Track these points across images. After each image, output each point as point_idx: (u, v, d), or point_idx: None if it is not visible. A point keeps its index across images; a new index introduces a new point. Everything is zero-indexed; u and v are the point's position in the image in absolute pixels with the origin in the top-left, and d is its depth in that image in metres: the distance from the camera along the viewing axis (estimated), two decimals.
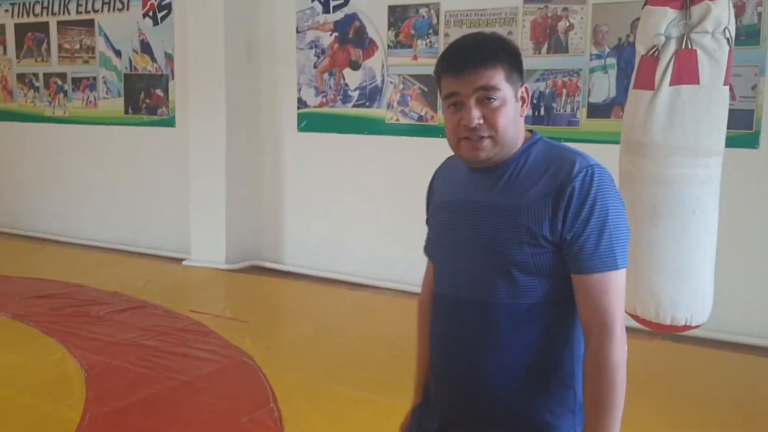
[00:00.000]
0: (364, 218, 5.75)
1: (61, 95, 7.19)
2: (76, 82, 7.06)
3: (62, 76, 7.16)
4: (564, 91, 4.78)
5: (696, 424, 3.27)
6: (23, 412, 3.30)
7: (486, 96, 1.37)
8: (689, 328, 2.62)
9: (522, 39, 4.90)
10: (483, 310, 1.40)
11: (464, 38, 1.45)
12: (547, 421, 1.41)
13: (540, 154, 1.42)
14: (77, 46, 7.02)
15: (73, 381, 3.62)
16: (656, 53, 2.46)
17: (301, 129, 5.95)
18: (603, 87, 4.66)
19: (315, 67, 5.81)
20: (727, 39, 2.45)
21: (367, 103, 5.60)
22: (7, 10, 7.45)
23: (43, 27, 7.21)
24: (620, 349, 1.35)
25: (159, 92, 6.55)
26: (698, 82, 2.42)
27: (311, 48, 5.81)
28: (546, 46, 4.83)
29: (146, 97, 6.63)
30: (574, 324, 1.42)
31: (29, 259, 6.42)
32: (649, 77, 2.48)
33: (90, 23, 6.88)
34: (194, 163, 6.18)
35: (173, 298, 5.16)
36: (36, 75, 7.35)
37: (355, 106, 5.65)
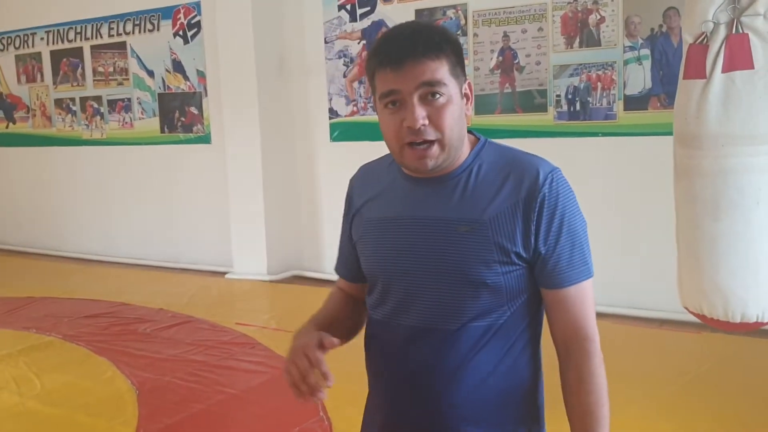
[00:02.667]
0: None
1: (98, 118, 7.34)
2: (112, 104, 7.19)
3: (98, 99, 7.31)
4: (599, 84, 4.71)
5: (750, 422, 3.18)
6: (80, 430, 3.36)
7: (430, 92, 1.18)
8: (762, 324, 2.49)
9: (553, 34, 4.85)
10: (445, 337, 1.25)
11: (400, 27, 1.24)
12: None
13: (493, 159, 1.27)
14: (111, 69, 7.16)
15: (125, 399, 3.68)
16: (705, 40, 2.38)
17: (333, 139, 5.98)
18: (638, 79, 4.59)
19: (344, 76, 5.84)
20: None
21: None
22: (42, 38, 7.64)
23: (78, 52, 7.37)
24: (601, 360, 1.27)
25: (193, 110, 6.64)
26: (753, 67, 2.31)
27: (340, 57, 5.83)
28: (578, 40, 4.78)
29: (181, 115, 6.73)
30: (537, 340, 1.34)
31: (75, 280, 6.55)
32: (699, 66, 2.40)
33: (122, 45, 7.01)
34: (232, 177, 6.25)
35: (218, 312, 5.21)
36: (73, 99, 7.52)
37: None
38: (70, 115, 7.56)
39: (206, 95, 6.54)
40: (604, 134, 4.74)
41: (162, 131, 6.86)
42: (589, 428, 1.23)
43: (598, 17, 4.69)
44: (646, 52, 4.55)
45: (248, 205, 6.16)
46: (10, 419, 3.49)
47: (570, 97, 4.82)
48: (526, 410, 1.32)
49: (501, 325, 1.25)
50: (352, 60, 5.77)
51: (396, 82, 1.18)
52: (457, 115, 1.21)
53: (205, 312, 5.21)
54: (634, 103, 4.62)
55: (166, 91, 6.79)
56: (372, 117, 5.72)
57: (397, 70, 1.18)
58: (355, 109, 5.82)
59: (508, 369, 1.27)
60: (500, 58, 5.09)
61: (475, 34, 5.17)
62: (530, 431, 1.33)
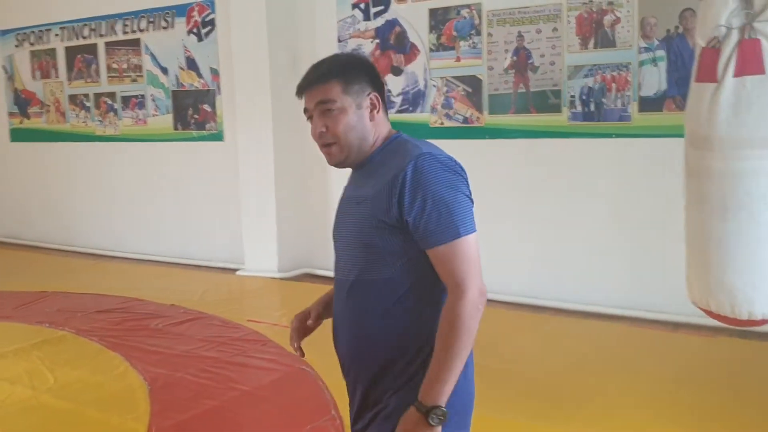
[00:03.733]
0: None
1: (112, 114, 7.37)
2: (126, 100, 7.23)
3: (112, 95, 7.35)
4: (614, 85, 4.70)
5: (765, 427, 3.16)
6: (92, 425, 3.38)
7: (325, 108, 1.59)
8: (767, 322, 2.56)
9: (567, 35, 4.84)
10: (347, 286, 1.63)
11: (314, 64, 1.67)
12: (408, 372, 1.58)
13: (393, 150, 1.60)
14: (125, 66, 7.19)
15: (137, 394, 3.69)
16: (717, 44, 2.39)
17: None
18: (653, 80, 4.57)
19: None
20: None
21: (411, 108, 5.59)
22: (57, 35, 7.68)
23: (92, 49, 7.41)
24: (470, 306, 1.48)
25: (206, 107, 6.66)
26: (764, 72, 2.34)
27: None
28: (593, 41, 4.76)
29: (194, 112, 6.75)
30: (428, 300, 1.57)
31: (87, 275, 6.59)
32: (711, 70, 2.42)
33: (136, 43, 7.04)
34: (244, 174, 6.26)
35: (230, 308, 5.23)
36: (87, 95, 7.56)
37: (398, 112, 5.65)
38: (83, 111, 7.60)
39: (219, 93, 6.56)
40: (618, 135, 4.72)
41: (175, 128, 6.89)
42: (441, 362, 1.48)
43: (614, 18, 4.67)
44: (661, 53, 4.53)
45: (260, 202, 6.18)
46: (23, 413, 3.51)
47: (584, 97, 4.80)
48: (403, 354, 1.58)
49: (386, 280, 1.56)
50: None
51: (306, 103, 1.64)
52: (352, 122, 1.58)
53: (216, 308, 5.22)
54: (649, 104, 4.60)
55: (180, 89, 6.81)
56: None
57: (303, 94, 1.64)
58: None
59: (394, 318, 1.57)
60: (514, 58, 5.07)
61: (489, 34, 5.15)
62: (404, 368, 1.59)
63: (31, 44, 7.91)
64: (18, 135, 8.19)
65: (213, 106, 6.63)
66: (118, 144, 7.33)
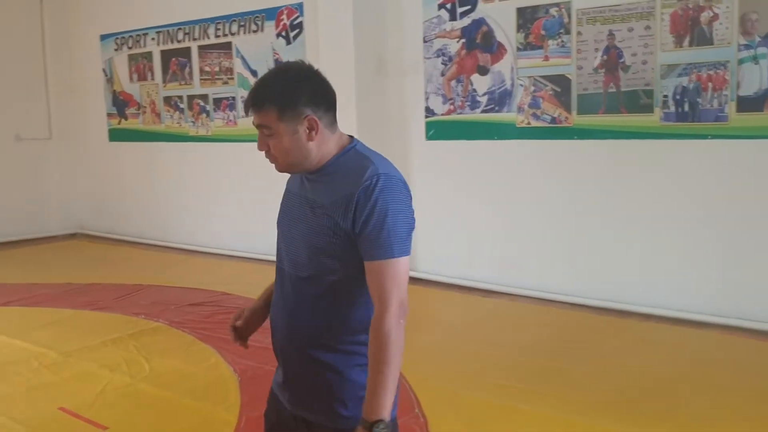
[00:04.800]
0: (495, 225, 5.71)
1: (204, 115, 7.64)
2: (217, 102, 7.48)
3: (204, 97, 7.62)
4: (710, 85, 4.52)
5: None
6: (186, 413, 3.53)
7: (264, 131, 1.68)
8: None
9: (661, 33, 4.69)
10: (298, 281, 1.73)
11: (258, 80, 1.73)
12: (339, 370, 1.71)
13: (347, 162, 1.70)
14: (217, 68, 7.44)
15: (228, 385, 3.83)
16: None
17: (429, 137, 6.00)
18: (754, 79, 4.37)
19: (442, 75, 5.84)
20: None
21: (497, 108, 5.55)
22: (153, 39, 8.03)
23: (186, 52, 7.71)
24: (393, 321, 1.58)
25: None
26: None
27: (438, 56, 5.84)
28: (688, 38, 4.60)
29: None
30: (366, 295, 1.67)
31: (179, 270, 6.86)
32: None
33: (228, 46, 7.28)
34: None
35: None
36: (180, 97, 7.86)
37: (483, 111, 5.63)
38: (177, 113, 7.91)
39: None
40: (714, 136, 4.54)
41: None
42: (375, 372, 1.57)
43: (711, 14, 4.49)
44: (763, 50, 4.33)
45: None
46: (123, 399, 3.70)
47: (678, 97, 4.65)
48: (345, 346, 1.71)
49: (335, 281, 1.68)
50: (450, 59, 5.77)
51: (253, 119, 1.71)
52: (287, 146, 1.66)
53: None
54: (748, 104, 4.40)
55: None
56: (469, 116, 5.71)
57: (249, 113, 1.73)
58: (452, 107, 5.81)
59: (341, 313, 1.70)
60: (605, 57, 4.96)
61: (579, 33, 5.06)
62: (360, 366, 1.70)
63: (129, 48, 8.30)
64: (116, 135, 8.61)
65: None
66: (210, 144, 7.60)
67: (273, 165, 1.75)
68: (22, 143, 8.59)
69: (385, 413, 1.55)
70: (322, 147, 1.70)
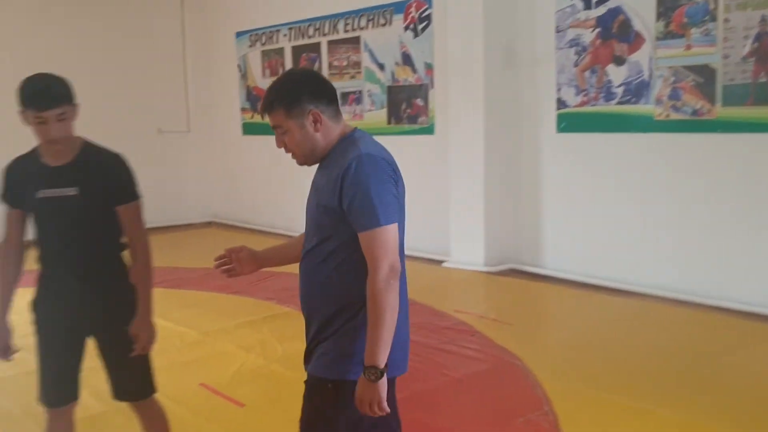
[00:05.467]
0: (627, 222, 5.47)
1: None
2: (345, 96, 7.63)
3: None
4: None
5: None
6: None
7: (278, 131, 1.93)
8: None
9: None
10: (308, 252, 1.97)
11: (267, 89, 1.97)
12: (345, 327, 1.90)
13: (341, 148, 1.90)
14: (345, 63, 7.59)
15: None
16: None
17: (560, 130, 5.84)
18: None
19: (575, 65, 5.67)
20: None
21: (633, 99, 5.32)
22: (285, 35, 8.31)
23: (316, 47, 7.92)
24: (383, 283, 1.78)
25: (419, 101, 6.84)
26: None
27: (571, 46, 5.67)
28: None
29: (407, 107, 6.97)
30: (364, 266, 1.84)
31: None
32: None
33: (356, 40, 7.41)
34: (453, 168, 6.35)
35: (436, 298, 5.34)
36: None
37: (619, 103, 5.41)
38: None
39: (432, 87, 6.70)
40: None
41: (389, 122, 7.15)
42: (371, 327, 1.79)
43: None
44: None
45: (468, 196, 6.23)
46: (258, 378, 3.85)
47: None
48: (342, 308, 1.90)
49: (333, 249, 1.90)
50: (584, 48, 5.59)
51: (269, 123, 1.96)
52: (299, 139, 1.91)
53: (423, 297, 5.35)
54: None
55: (395, 84, 7.06)
56: (603, 107, 5.51)
57: (265, 118, 1.98)
58: (585, 98, 5.63)
59: (338, 279, 1.91)
60: (755, 44, 4.63)
61: (726, 20, 4.75)
62: (344, 321, 1.90)
63: (262, 44, 8.63)
64: (249, 129, 8.99)
65: (425, 100, 6.79)
66: None
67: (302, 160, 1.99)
68: (164, 136, 9.15)
69: (378, 361, 1.78)
70: (327, 137, 1.92)
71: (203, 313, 5.06)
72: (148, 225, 2.50)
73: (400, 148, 6.96)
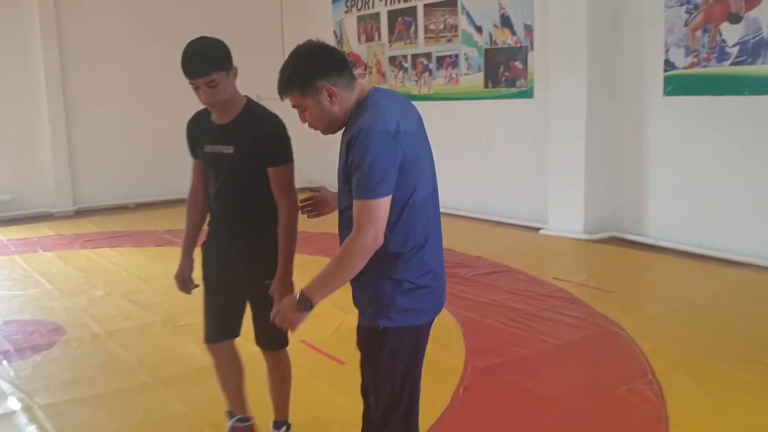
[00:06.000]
0: (740, 191, 5.19)
1: (426, 74, 7.77)
2: (440, 60, 7.55)
3: (427, 56, 7.73)
4: None
5: None
6: None
7: (299, 109, 2.03)
8: None
9: None
10: (339, 216, 2.08)
11: (279, 71, 2.04)
12: (377, 284, 2.00)
13: (354, 116, 1.98)
14: (441, 26, 7.50)
15: (452, 333, 3.92)
16: None
17: (667, 93, 5.58)
18: None
19: (686, 25, 5.37)
20: None
21: (750, 60, 5.00)
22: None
23: (412, 11, 7.85)
24: (359, 249, 1.89)
25: (518, 64, 6.69)
26: None
27: (682, 5, 5.37)
28: None
29: (505, 70, 6.82)
30: (392, 226, 1.97)
31: None
32: None
33: (453, 3, 7.29)
34: (553, 132, 6.20)
35: (534, 265, 5.27)
36: (405, 56, 8.05)
37: (733, 64, 5.10)
38: (401, 72, 8.12)
39: (532, 49, 6.53)
40: None
41: (485, 86, 7.04)
42: (324, 270, 1.95)
43: None
44: None
45: (568, 161, 6.07)
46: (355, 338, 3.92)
47: None
48: (382, 265, 1.99)
49: (347, 208, 1.98)
50: (696, 6, 5.28)
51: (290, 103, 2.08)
52: (317, 114, 2.00)
53: (521, 264, 5.30)
54: None
55: (493, 46, 6.92)
56: (715, 69, 5.21)
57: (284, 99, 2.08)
58: (695, 60, 5.34)
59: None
60: None
61: None
62: (383, 278, 2.01)
63: (358, 10, 8.63)
64: None
65: (524, 63, 6.62)
66: (430, 103, 7.71)
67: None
68: (263, 102, 9.32)
69: (316, 298, 1.95)
70: (343, 105, 2.00)
71: (303, 274, 5.16)
72: None
73: (497, 112, 6.93)
